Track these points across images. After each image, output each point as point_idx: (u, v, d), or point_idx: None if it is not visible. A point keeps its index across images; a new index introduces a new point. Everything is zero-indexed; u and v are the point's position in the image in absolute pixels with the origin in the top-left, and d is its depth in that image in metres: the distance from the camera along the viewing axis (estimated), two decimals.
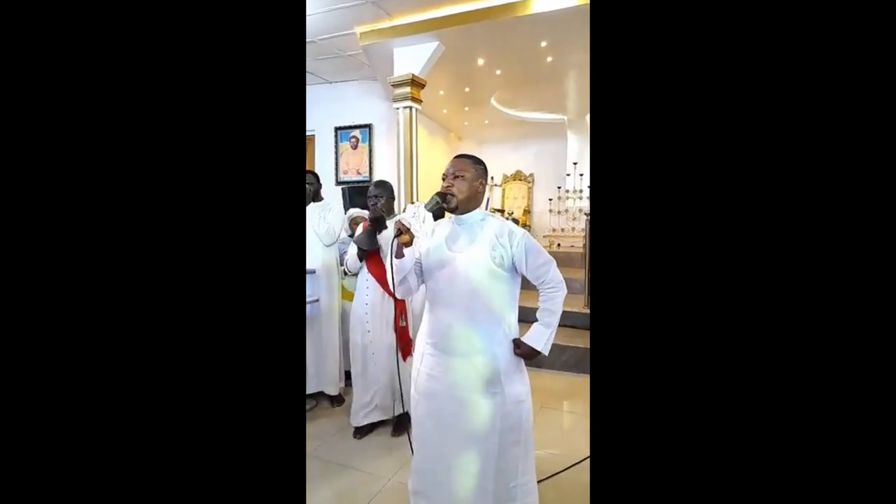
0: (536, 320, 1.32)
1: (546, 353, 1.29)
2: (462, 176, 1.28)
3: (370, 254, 2.25)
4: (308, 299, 2.63)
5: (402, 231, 1.29)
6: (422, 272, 1.38)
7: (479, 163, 1.34)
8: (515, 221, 6.47)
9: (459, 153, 1.37)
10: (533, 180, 8.06)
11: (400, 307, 2.22)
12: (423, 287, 1.40)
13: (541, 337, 1.29)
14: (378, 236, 2.20)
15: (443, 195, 1.29)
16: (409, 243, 1.29)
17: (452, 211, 1.31)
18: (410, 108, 4.08)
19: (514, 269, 1.28)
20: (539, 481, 1.84)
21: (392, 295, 2.06)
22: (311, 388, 2.68)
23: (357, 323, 2.33)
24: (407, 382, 2.07)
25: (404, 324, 2.22)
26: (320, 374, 2.67)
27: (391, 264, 1.31)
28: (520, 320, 1.35)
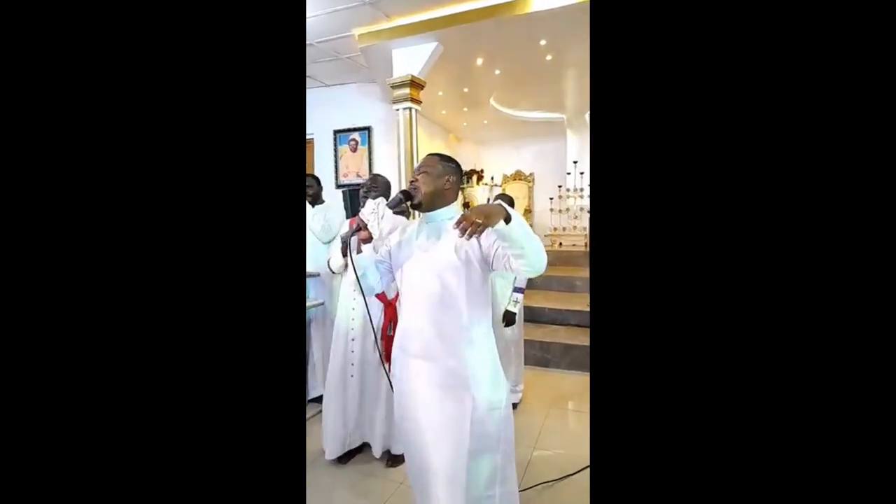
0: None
1: (512, 216, 1.00)
2: (427, 172, 1.26)
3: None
4: (313, 303, 2.62)
5: (361, 227, 1.30)
6: (390, 270, 1.36)
7: (448, 160, 1.30)
8: None
9: (430, 153, 1.35)
10: (533, 180, 8.05)
11: (389, 314, 2.03)
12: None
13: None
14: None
15: (405, 192, 1.27)
16: (367, 240, 1.29)
17: (417, 207, 1.28)
18: (410, 109, 4.06)
19: (484, 264, 1.17)
20: (539, 484, 1.84)
21: (382, 298, 2.01)
22: (316, 392, 2.66)
23: (340, 331, 2.08)
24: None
25: (392, 332, 1.96)
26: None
27: (352, 260, 1.32)
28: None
